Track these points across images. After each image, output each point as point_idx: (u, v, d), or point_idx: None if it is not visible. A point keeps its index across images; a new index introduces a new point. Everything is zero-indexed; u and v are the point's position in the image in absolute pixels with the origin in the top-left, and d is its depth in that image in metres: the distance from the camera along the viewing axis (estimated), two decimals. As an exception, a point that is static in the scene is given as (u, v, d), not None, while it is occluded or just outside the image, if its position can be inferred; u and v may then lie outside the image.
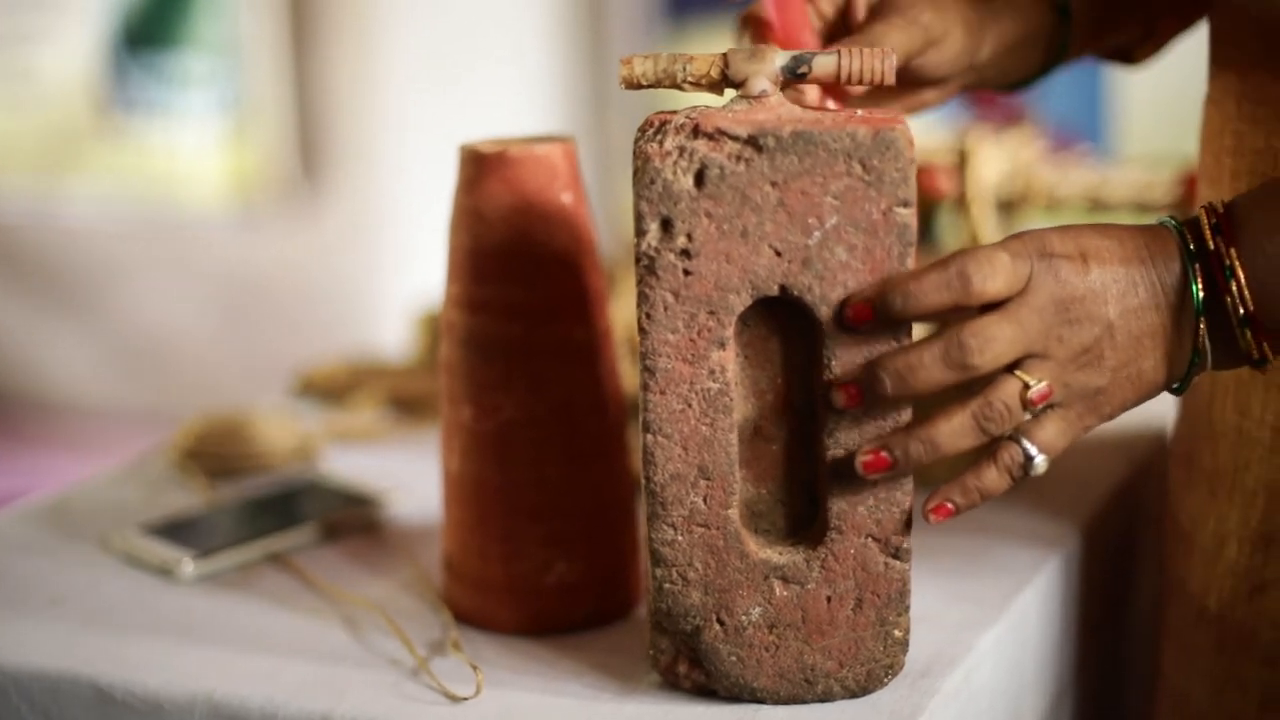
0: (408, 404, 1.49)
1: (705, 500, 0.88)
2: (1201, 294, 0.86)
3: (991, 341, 0.83)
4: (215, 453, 1.35)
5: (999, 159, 1.64)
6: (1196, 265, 0.86)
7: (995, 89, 1.16)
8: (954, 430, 0.84)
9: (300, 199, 4.32)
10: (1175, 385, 0.90)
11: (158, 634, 1.05)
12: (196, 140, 4.57)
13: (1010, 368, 0.84)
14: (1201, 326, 0.86)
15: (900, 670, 0.91)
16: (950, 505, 0.86)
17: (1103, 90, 3.60)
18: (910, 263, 0.84)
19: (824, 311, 0.84)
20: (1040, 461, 0.85)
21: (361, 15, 4.18)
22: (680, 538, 0.88)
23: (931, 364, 0.83)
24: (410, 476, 1.29)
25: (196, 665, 1.00)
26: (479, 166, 1.00)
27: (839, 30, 1.06)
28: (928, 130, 2.12)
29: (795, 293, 0.85)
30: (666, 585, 0.89)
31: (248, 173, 4.44)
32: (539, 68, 4.40)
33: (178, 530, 1.20)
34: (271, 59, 4.27)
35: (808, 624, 0.89)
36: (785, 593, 0.89)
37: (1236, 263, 0.85)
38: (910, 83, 1.07)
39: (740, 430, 0.89)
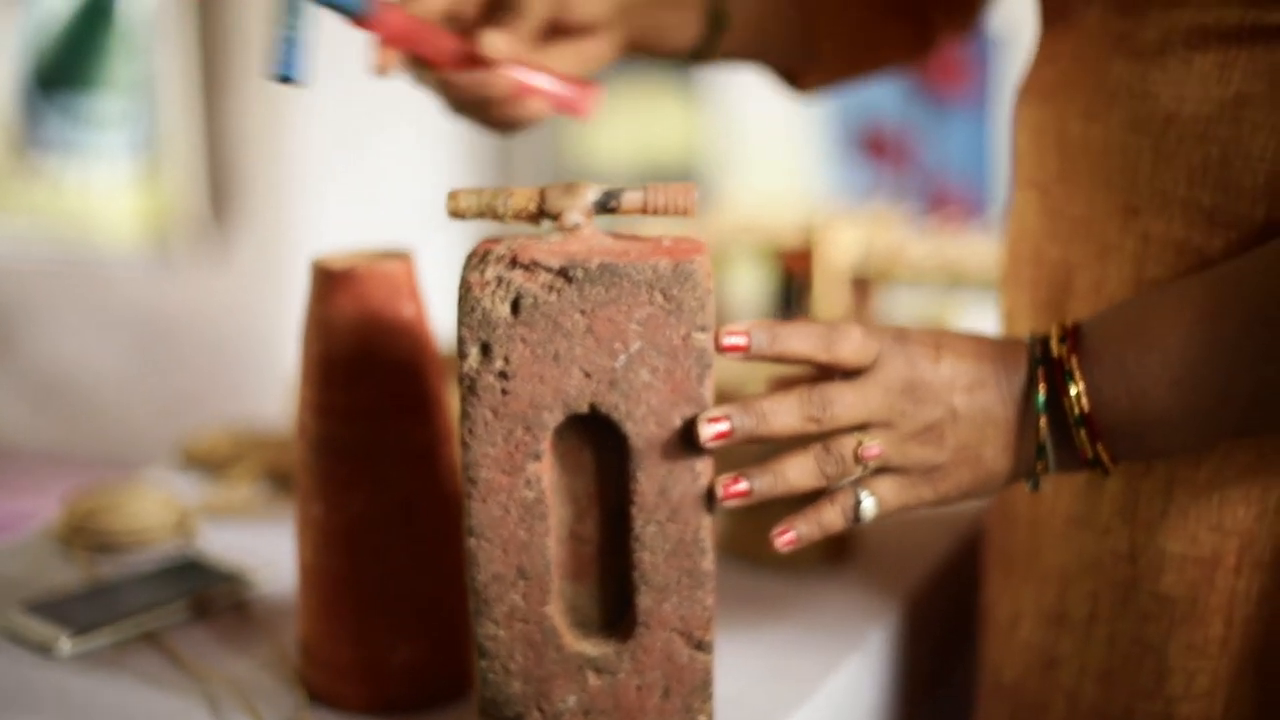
0: (284, 477, 1.56)
1: (524, 598, 0.96)
2: (1043, 395, 0.95)
3: (833, 403, 0.92)
4: (98, 529, 1.41)
5: (852, 241, 1.72)
6: (1041, 369, 0.95)
7: (661, 55, 1.25)
8: (799, 467, 0.93)
9: (210, 241, 4.36)
10: (1029, 481, 0.98)
11: (32, 712, 1.11)
12: (109, 181, 4.60)
13: (857, 429, 0.94)
14: (1042, 424, 0.95)
15: (706, 751, 0.99)
16: (795, 534, 0.94)
17: (990, 142, 3.70)
18: (709, 384, 0.93)
19: (630, 427, 0.93)
20: (868, 506, 0.94)
21: (272, 60, 4.23)
22: (502, 632, 0.96)
23: (788, 410, 0.92)
24: (282, 552, 1.34)
25: (64, 745, 1.07)
26: (328, 281, 1.07)
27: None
28: (790, 209, 2.21)
29: (604, 410, 0.93)
30: (490, 676, 0.97)
31: (159, 214, 4.48)
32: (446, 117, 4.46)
33: (57, 608, 1.25)
34: (183, 101, 4.31)
35: (619, 711, 0.97)
36: (598, 682, 0.97)
37: (1076, 370, 0.94)
38: (564, 31, 1.16)
39: (557, 533, 0.97)
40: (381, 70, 1.14)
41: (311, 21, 1.01)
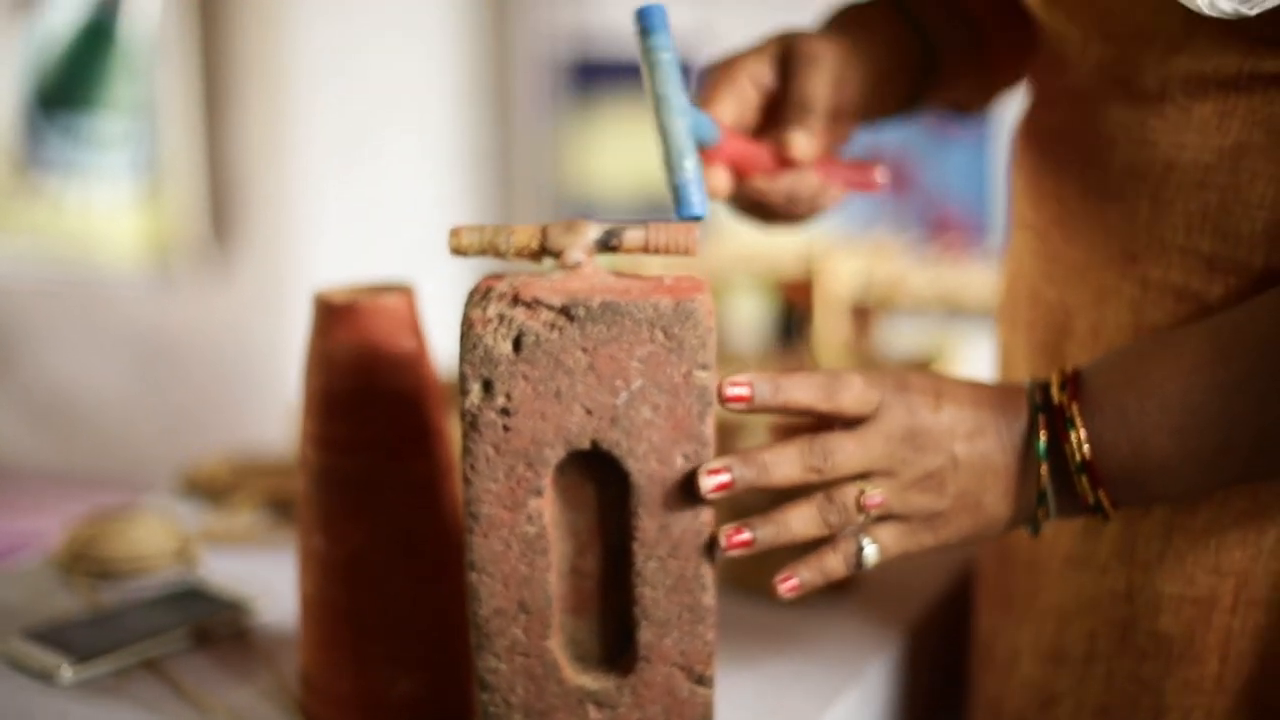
0: (286, 505, 1.57)
1: (525, 632, 0.96)
2: (1043, 442, 0.96)
3: (834, 453, 0.93)
4: (99, 556, 1.41)
5: (852, 271, 1.73)
6: (1041, 416, 0.96)
7: (875, 119, 1.24)
8: (802, 517, 0.94)
9: (211, 261, 4.37)
10: (1030, 527, 0.99)
11: (33, 741, 1.12)
12: (111, 201, 4.61)
13: (859, 478, 0.94)
14: (1043, 471, 0.96)
15: (705, 786, 1.00)
16: (798, 581, 0.95)
17: (990, 168, 3.70)
18: (710, 422, 0.93)
19: (632, 464, 0.93)
20: (870, 553, 0.95)
21: (273, 81, 4.24)
22: (503, 666, 0.97)
23: (789, 461, 0.93)
24: (283, 580, 1.36)
25: (65, 774, 1.07)
26: (330, 315, 1.08)
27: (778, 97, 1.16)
28: (791, 239, 2.22)
29: (605, 447, 0.94)
30: (491, 709, 0.98)
31: (160, 234, 4.48)
32: (447, 135, 4.47)
33: (59, 635, 1.25)
34: (184, 122, 4.32)
35: (619, 745, 0.98)
36: (599, 716, 0.97)
37: (1078, 417, 0.95)
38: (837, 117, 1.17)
39: (558, 568, 0.97)
40: (721, 194, 1.14)
41: (697, 157, 1.02)
